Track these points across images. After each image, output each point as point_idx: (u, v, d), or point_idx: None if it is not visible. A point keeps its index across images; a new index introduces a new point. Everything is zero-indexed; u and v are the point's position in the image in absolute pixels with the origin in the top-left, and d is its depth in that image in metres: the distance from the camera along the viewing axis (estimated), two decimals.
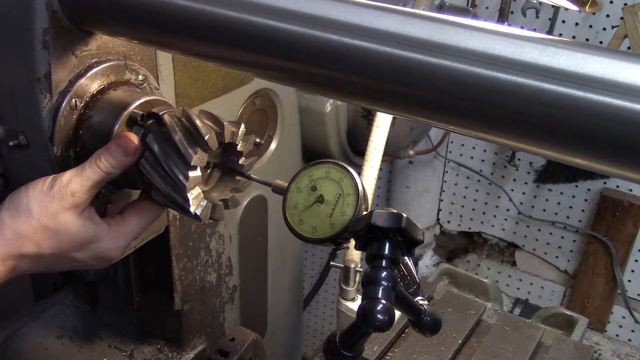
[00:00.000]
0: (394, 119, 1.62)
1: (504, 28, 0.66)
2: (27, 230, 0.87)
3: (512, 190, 2.44)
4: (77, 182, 0.89)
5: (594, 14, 2.02)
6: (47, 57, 0.91)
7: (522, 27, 2.03)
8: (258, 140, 1.52)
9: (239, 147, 0.95)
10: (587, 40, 2.10)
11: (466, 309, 1.64)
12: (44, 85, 0.92)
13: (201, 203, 0.91)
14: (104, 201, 0.98)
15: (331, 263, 1.67)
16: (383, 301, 0.78)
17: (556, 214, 2.38)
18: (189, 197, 0.89)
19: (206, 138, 0.88)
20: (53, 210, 0.87)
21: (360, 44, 0.70)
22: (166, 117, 0.90)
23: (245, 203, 1.55)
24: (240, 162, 0.98)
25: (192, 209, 0.89)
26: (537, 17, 2.04)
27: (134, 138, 0.91)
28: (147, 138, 0.90)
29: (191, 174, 0.88)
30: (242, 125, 0.94)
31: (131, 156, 0.90)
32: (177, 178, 0.88)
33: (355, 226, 0.88)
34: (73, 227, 0.89)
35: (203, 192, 0.92)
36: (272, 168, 1.61)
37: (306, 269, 2.99)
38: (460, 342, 1.52)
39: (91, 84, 0.96)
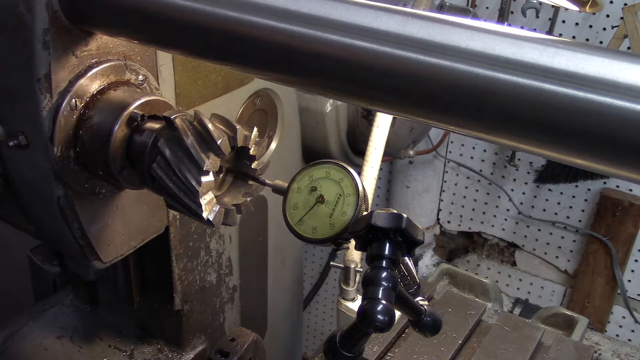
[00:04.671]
0: (394, 119, 1.62)
1: (504, 28, 0.66)
2: None
3: (512, 190, 2.44)
4: None
5: (594, 14, 2.02)
6: (47, 57, 0.90)
7: (522, 27, 2.03)
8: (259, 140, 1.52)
9: (251, 151, 0.94)
10: (587, 40, 2.09)
11: (466, 309, 1.64)
12: (44, 85, 0.91)
13: (214, 208, 0.89)
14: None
15: (331, 263, 1.67)
16: (383, 301, 0.78)
17: (556, 214, 2.38)
18: (201, 203, 0.87)
19: (219, 142, 0.86)
20: None
21: (361, 44, 0.70)
22: (178, 121, 0.88)
23: None
24: (252, 167, 0.97)
25: (204, 215, 0.88)
26: (537, 17, 2.04)
27: None
28: (159, 142, 0.89)
29: (204, 179, 0.86)
30: (255, 129, 0.93)
31: None
32: (190, 183, 0.86)
33: (355, 226, 0.88)
34: None
35: (215, 197, 0.90)
36: (272, 168, 1.60)
37: (306, 269, 2.99)
38: (460, 342, 1.52)
39: (91, 84, 0.96)
